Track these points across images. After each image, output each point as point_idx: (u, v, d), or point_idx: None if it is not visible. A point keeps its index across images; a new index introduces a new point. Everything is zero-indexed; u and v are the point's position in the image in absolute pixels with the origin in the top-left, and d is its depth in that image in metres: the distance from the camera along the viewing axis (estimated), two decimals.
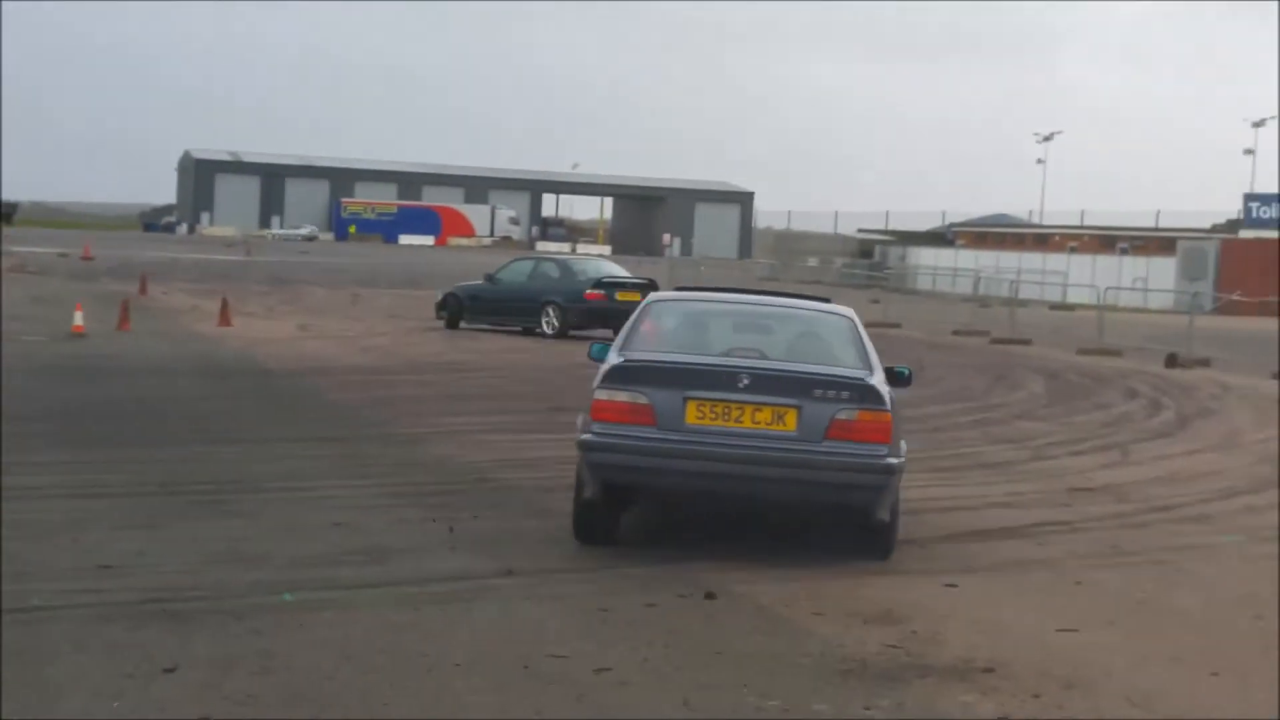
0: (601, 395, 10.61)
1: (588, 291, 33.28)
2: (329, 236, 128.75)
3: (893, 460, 10.59)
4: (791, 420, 10.48)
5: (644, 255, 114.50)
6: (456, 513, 11.79)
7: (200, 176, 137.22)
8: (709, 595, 9.39)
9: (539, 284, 34.38)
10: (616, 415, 10.55)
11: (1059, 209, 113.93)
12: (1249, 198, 78.40)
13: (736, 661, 7.94)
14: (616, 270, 35.49)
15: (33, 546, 9.97)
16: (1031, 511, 13.32)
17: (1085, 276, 66.33)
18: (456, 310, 34.75)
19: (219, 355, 25.37)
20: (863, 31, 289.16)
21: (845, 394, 10.56)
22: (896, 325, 45.52)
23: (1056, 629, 8.95)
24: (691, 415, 10.49)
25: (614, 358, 10.92)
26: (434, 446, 15.70)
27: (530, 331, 33.64)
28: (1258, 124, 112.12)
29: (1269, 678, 8.07)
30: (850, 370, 10.93)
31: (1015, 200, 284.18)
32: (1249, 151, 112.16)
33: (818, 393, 10.53)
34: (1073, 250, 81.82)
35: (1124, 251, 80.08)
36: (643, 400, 10.51)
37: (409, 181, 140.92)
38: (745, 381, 10.52)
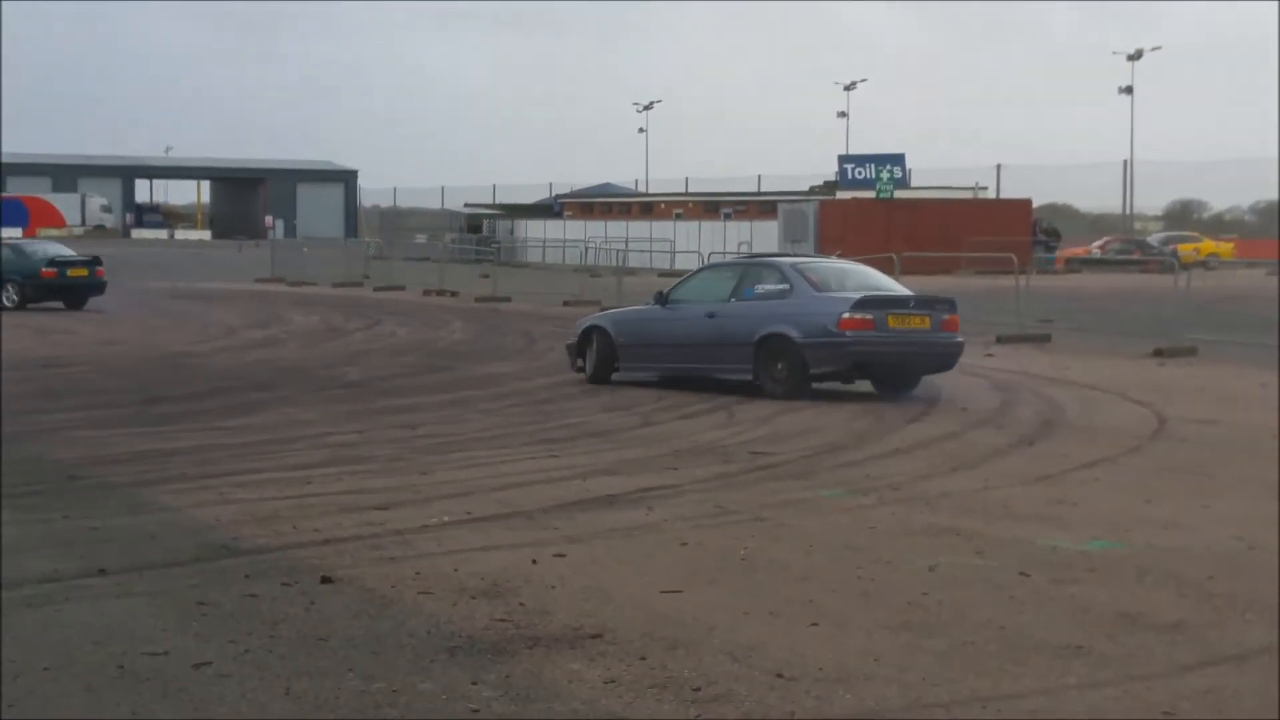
0: (847, 315, 19.37)
1: (43, 270, 39.03)
2: None
3: (961, 340, 20.52)
4: (927, 322, 19.87)
5: (247, 238, 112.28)
6: (47, 514, 11.31)
7: None
8: (325, 579, 9.19)
9: None
10: (854, 325, 19.38)
11: (664, 177, 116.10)
12: (844, 159, 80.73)
13: (340, 647, 7.77)
14: (66, 251, 41.83)
15: None
16: (639, 477, 13.43)
17: (692, 242, 67.64)
18: None
19: None
20: (457, 5, 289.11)
21: (945, 306, 20.24)
22: (507, 299, 45.61)
23: (661, 591, 9.02)
24: (890, 322, 19.58)
25: (848, 294, 19.89)
26: (23, 446, 15.04)
27: None
28: (849, 87, 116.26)
29: (865, 625, 8.27)
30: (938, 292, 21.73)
31: (621, 170, 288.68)
32: (843, 114, 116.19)
33: (937, 306, 20.16)
34: (679, 217, 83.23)
35: (728, 216, 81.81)
36: (869, 317, 19.45)
37: None
38: (913, 303, 19.93)
